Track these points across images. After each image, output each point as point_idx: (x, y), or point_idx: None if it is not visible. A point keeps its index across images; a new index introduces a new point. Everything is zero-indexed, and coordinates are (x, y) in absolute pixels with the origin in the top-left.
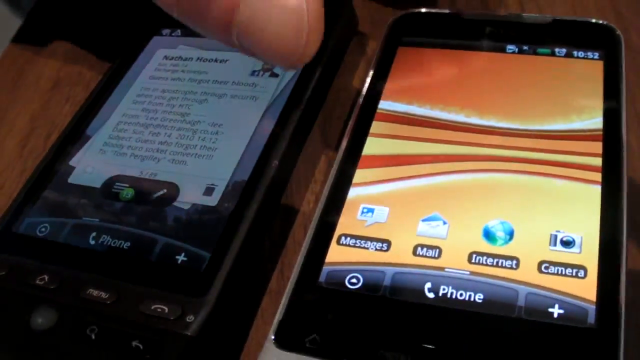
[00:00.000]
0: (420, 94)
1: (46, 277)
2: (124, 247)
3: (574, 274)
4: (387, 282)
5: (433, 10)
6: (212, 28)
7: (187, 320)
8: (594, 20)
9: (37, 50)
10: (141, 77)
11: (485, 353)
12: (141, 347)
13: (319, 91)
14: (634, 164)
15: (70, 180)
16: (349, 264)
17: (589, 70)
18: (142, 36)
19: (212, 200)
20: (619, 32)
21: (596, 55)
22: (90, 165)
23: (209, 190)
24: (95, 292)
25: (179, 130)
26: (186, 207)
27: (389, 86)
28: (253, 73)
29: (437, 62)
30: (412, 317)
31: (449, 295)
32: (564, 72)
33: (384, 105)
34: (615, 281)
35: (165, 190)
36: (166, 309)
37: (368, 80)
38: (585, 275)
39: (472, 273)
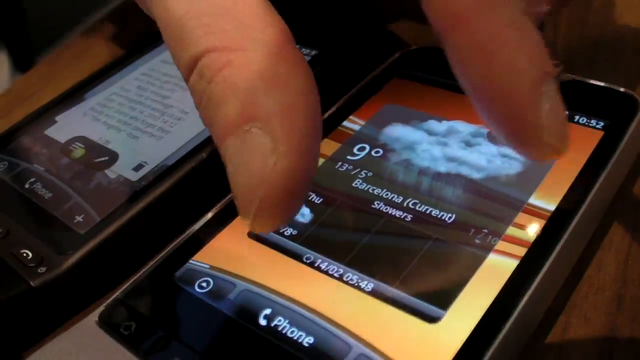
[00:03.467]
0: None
1: None
2: (46, 196)
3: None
4: (232, 295)
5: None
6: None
7: (39, 270)
8: (612, 86)
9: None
10: (155, 59)
11: None
12: None
13: None
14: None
15: (46, 132)
16: (210, 266)
17: (583, 139)
18: None
19: (136, 176)
20: (638, 101)
21: (600, 124)
22: (67, 123)
23: (139, 167)
24: None
25: (151, 110)
26: (112, 175)
27: (363, 108)
28: None
29: (419, 99)
30: (230, 338)
31: (280, 328)
32: None
33: (347, 123)
34: None
35: (106, 158)
36: (30, 255)
37: (345, 98)
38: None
39: (313, 310)
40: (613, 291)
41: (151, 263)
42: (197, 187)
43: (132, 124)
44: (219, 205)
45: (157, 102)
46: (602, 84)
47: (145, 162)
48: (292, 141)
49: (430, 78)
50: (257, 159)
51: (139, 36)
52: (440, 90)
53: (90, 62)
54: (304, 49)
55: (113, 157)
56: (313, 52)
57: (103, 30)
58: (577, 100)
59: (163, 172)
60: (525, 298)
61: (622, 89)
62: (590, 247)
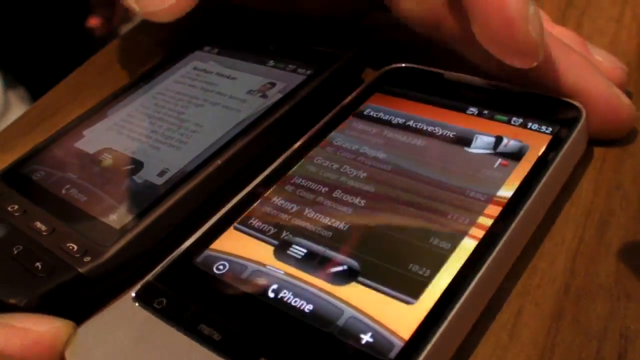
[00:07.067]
0: (372, 135)
1: (16, 207)
2: (82, 199)
3: (400, 309)
4: (245, 275)
5: (420, 67)
6: None
7: (85, 260)
8: (561, 98)
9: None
10: (169, 79)
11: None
12: (40, 267)
13: (288, 119)
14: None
15: (76, 144)
16: (225, 253)
17: (534, 143)
18: (187, 48)
19: (160, 181)
20: (582, 111)
21: (549, 130)
22: (95, 137)
23: (162, 173)
24: (38, 224)
25: (169, 124)
26: (140, 181)
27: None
28: (249, 91)
29: (401, 110)
30: (245, 307)
31: (285, 299)
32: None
33: (334, 135)
34: (434, 329)
35: (133, 166)
36: (75, 248)
37: (333, 111)
38: (411, 315)
39: (310, 284)
40: (562, 281)
41: (176, 251)
42: (214, 188)
43: (153, 137)
44: (229, 203)
45: (174, 117)
46: (552, 95)
47: (168, 169)
48: None
49: (410, 93)
50: None
51: (155, 57)
52: (417, 103)
53: (113, 78)
54: (299, 69)
55: (139, 165)
56: (308, 72)
57: (124, 47)
58: (531, 109)
59: (184, 177)
60: (475, 281)
61: (569, 100)
62: (544, 244)
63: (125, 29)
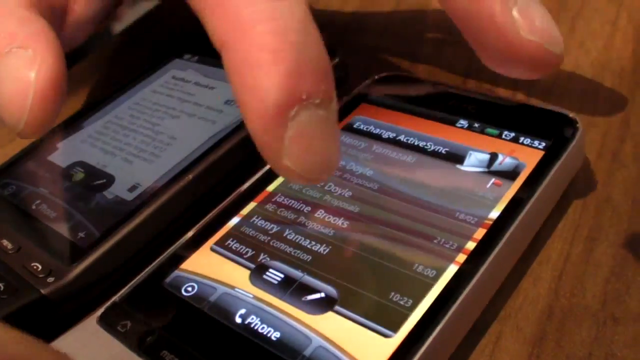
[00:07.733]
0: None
1: None
2: (51, 216)
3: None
4: (213, 297)
5: (408, 76)
6: None
7: (48, 280)
8: (555, 109)
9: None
10: (146, 89)
11: None
12: (2, 288)
13: None
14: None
15: (49, 157)
16: (195, 274)
17: (528, 160)
18: (166, 56)
19: (131, 196)
20: (578, 123)
21: (542, 145)
22: (69, 149)
23: (133, 188)
24: (5, 242)
25: (143, 137)
26: (110, 196)
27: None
28: (227, 102)
29: (389, 123)
30: (210, 333)
31: (252, 325)
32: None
33: None
34: None
35: (104, 180)
36: (40, 267)
37: None
38: (387, 348)
39: (283, 312)
40: (545, 303)
41: (144, 271)
42: (185, 205)
43: (126, 149)
44: (202, 221)
45: (149, 129)
46: (546, 107)
47: (139, 184)
48: (49, 48)
49: (398, 104)
50: (23, 67)
51: (134, 65)
52: (406, 115)
53: (91, 89)
54: None
55: (110, 179)
56: None
57: (101, 59)
58: (523, 122)
59: (155, 193)
60: (455, 306)
61: (563, 112)
62: (527, 262)
63: (117, 28)
